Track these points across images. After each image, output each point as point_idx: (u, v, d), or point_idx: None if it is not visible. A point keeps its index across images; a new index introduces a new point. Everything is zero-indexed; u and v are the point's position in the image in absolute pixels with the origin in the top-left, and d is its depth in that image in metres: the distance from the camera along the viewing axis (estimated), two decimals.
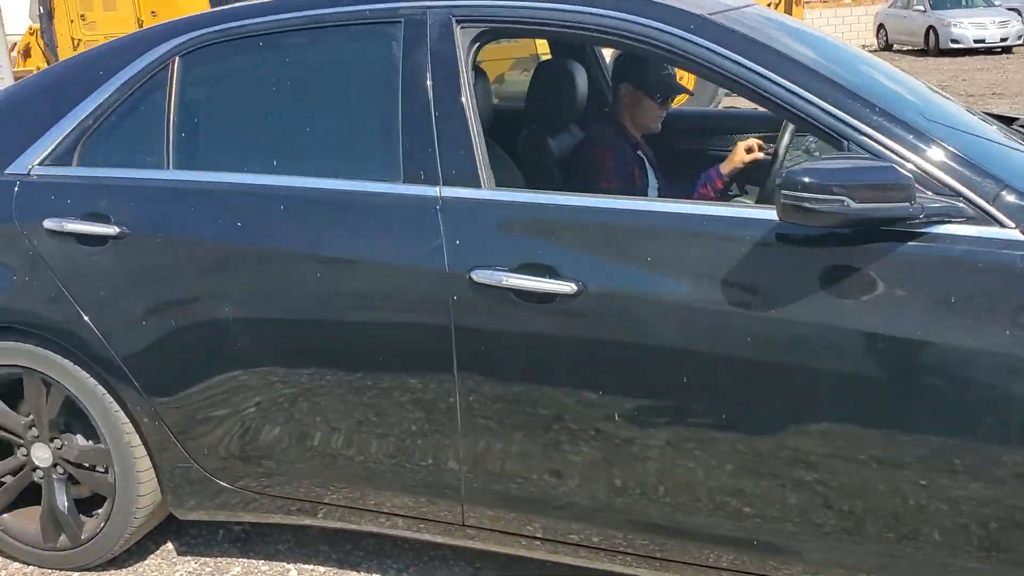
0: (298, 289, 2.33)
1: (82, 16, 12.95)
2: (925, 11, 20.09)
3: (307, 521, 2.58)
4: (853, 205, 1.80)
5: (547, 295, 2.09)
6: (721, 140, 3.65)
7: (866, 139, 1.95)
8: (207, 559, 2.80)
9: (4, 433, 2.72)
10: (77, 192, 2.53)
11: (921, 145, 1.95)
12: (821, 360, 1.93)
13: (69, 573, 2.76)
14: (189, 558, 2.81)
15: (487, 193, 2.21)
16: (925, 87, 2.55)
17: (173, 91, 2.51)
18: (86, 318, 2.49)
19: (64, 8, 12.97)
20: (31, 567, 2.79)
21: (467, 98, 2.25)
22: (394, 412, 2.31)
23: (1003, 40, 18.79)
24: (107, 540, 2.67)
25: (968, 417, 1.87)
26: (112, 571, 2.76)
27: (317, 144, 2.44)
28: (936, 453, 1.90)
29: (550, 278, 2.09)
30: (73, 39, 12.96)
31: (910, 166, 1.92)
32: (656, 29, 2.13)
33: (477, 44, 2.32)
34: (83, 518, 2.73)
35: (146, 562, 2.81)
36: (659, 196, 3.17)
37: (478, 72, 2.55)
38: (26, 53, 13.55)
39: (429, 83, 2.27)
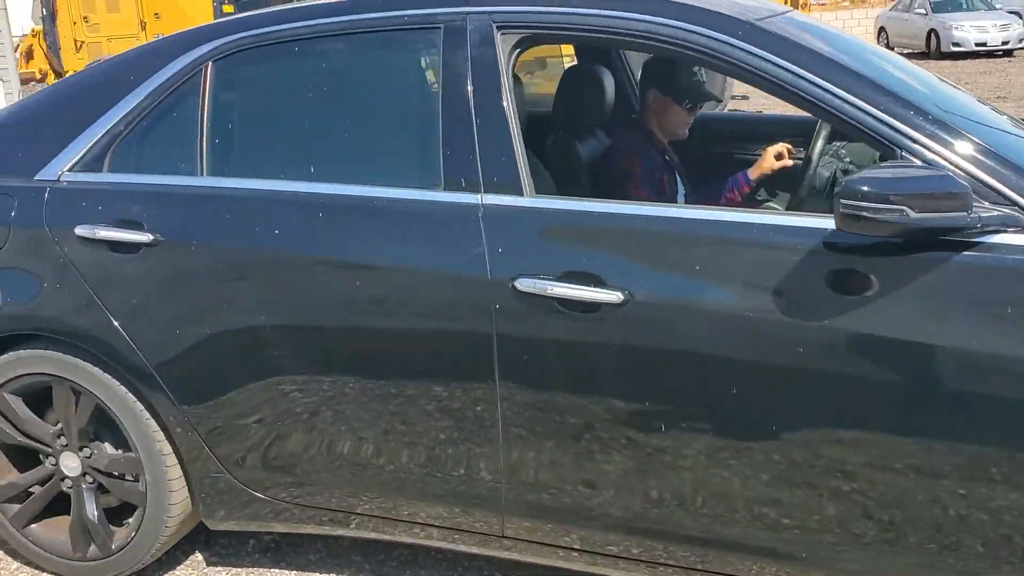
0: (336, 297, 2.30)
1: (85, 18, 12.94)
2: (926, 14, 20.09)
3: (339, 531, 2.55)
4: (912, 215, 1.77)
5: (593, 304, 2.07)
6: (743, 144, 3.63)
7: (920, 148, 1.93)
8: (238, 569, 2.77)
9: (32, 442, 2.69)
10: (109, 199, 2.50)
11: (976, 154, 1.92)
12: (873, 371, 1.91)
13: None
14: (220, 568, 2.78)
15: (530, 201, 2.19)
16: (969, 95, 2.53)
17: (206, 97, 2.48)
18: (118, 326, 2.45)
19: (67, 10, 12.96)
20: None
21: (508, 105, 2.23)
22: (432, 421, 2.28)
23: (1005, 43, 18.79)
24: (138, 550, 2.64)
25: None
26: None
27: (355, 151, 2.42)
28: (986, 464, 1.87)
29: (596, 287, 2.06)
30: (76, 41, 12.95)
31: (965, 175, 1.90)
32: (704, 36, 2.10)
33: (518, 50, 2.30)
34: (112, 528, 2.70)
35: (176, 572, 2.78)
36: (686, 202, 3.15)
37: (515, 79, 2.52)
38: (28, 55, 13.55)
39: (470, 90, 2.24)
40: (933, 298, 1.87)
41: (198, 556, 2.84)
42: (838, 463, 1.98)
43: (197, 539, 2.87)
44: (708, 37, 2.10)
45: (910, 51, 20.40)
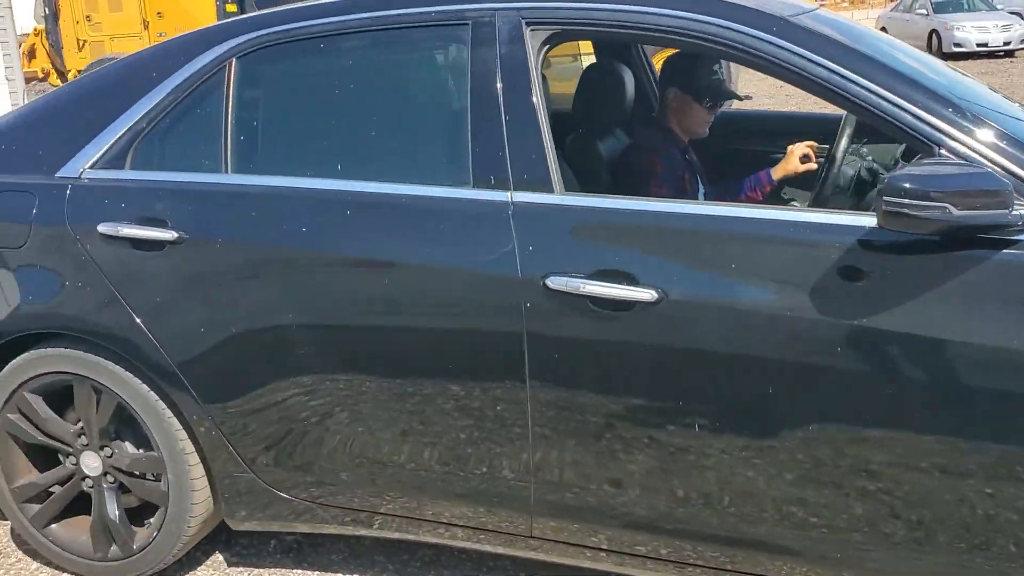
0: (363, 296, 2.28)
1: (87, 17, 12.92)
2: (928, 15, 20.09)
3: (362, 532, 2.53)
4: (954, 212, 1.76)
5: (626, 302, 2.05)
6: (759, 141, 3.62)
7: (959, 145, 1.92)
8: (260, 570, 2.75)
9: (52, 442, 2.66)
10: (132, 196, 2.48)
11: (1016, 151, 1.91)
12: (911, 370, 1.90)
13: None
14: (241, 569, 2.76)
15: (561, 198, 2.17)
16: (998, 92, 2.51)
17: (231, 94, 2.46)
18: (141, 324, 2.43)
19: (69, 9, 12.94)
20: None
21: (538, 102, 2.21)
22: (460, 421, 2.26)
23: (1006, 44, 18.77)
24: (160, 549, 2.62)
25: None
26: None
27: (381, 148, 2.40)
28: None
29: (629, 285, 2.05)
30: (78, 40, 12.93)
31: (1004, 172, 1.88)
32: (738, 32, 2.08)
33: (547, 47, 2.28)
34: (134, 528, 2.67)
35: (197, 572, 2.76)
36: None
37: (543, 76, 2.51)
38: (31, 54, 13.52)
39: (499, 86, 2.22)
40: (971, 297, 1.86)
41: (218, 557, 2.82)
42: (870, 463, 1.97)
43: (217, 539, 2.85)
44: (741, 33, 2.09)
45: None
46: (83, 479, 2.67)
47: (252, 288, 2.35)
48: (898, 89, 1.97)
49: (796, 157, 3.14)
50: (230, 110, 2.46)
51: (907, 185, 1.76)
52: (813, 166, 3.17)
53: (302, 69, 2.47)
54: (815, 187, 3.03)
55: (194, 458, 2.52)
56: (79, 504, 2.72)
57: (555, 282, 2.09)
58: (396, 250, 2.25)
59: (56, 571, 2.78)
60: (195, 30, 2.62)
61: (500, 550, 2.43)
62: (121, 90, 2.59)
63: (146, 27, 12.79)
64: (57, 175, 2.57)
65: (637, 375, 2.09)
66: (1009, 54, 19.16)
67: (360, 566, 2.75)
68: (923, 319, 1.88)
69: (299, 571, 2.75)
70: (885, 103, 1.97)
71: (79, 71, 12.94)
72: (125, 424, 2.61)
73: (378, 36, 2.39)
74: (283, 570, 2.75)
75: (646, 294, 2.03)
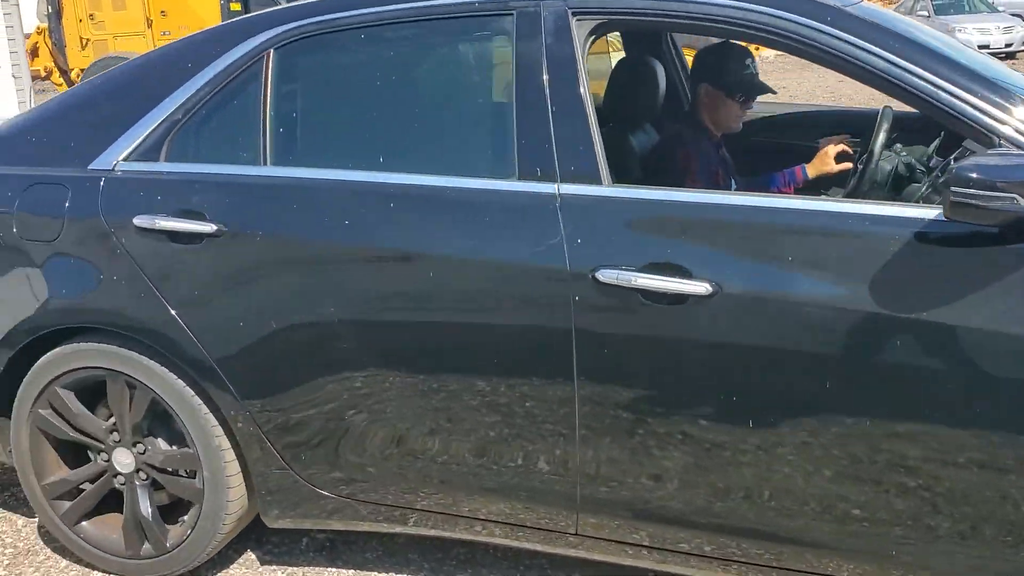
0: (407, 290, 2.25)
1: (91, 15, 12.87)
2: (929, 16, 20.11)
3: (397, 529, 2.50)
4: (1022, 203, 1.73)
5: (679, 296, 2.02)
6: (784, 135, 3.60)
7: (1019, 135, 1.89)
8: (294, 568, 2.72)
9: (84, 438, 2.63)
10: (168, 188, 2.44)
11: None
12: (976, 365, 1.87)
13: None
14: (275, 567, 2.73)
15: (610, 190, 2.14)
16: None
17: (268, 85, 2.43)
18: (178, 318, 2.40)
19: (72, 7, 12.90)
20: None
21: (585, 93, 2.18)
22: (505, 417, 2.23)
23: (1008, 46, 18.80)
24: (194, 547, 2.58)
25: None
26: None
27: (424, 140, 2.37)
28: None
29: (682, 278, 2.02)
30: (82, 38, 12.88)
31: None
32: (790, 21, 2.05)
33: (593, 37, 2.25)
34: (167, 526, 2.64)
35: (229, 571, 2.72)
36: None
37: None
38: (34, 53, 13.45)
39: (545, 78, 2.19)
40: None
41: (251, 555, 2.78)
42: (931, 459, 1.94)
43: (248, 537, 2.81)
44: (794, 23, 2.05)
45: None
46: (115, 476, 2.63)
47: (293, 282, 2.32)
48: (958, 80, 1.94)
49: (831, 157, 3.11)
50: (268, 101, 2.42)
51: (975, 175, 1.74)
52: (849, 165, 3.15)
53: (342, 60, 2.44)
54: (850, 182, 3.00)
55: (230, 454, 2.49)
56: (109, 501, 2.68)
57: (606, 275, 2.06)
58: (440, 243, 2.22)
59: (86, 569, 2.74)
60: (231, 20, 2.58)
61: (539, 547, 2.39)
62: (155, 81, 2.55)
63: (149, 26, 12.75)
64: (90, 167, 2.53)
65: (690, 369, 2.06)
66: (1010, 55, 19.17)
67: (395, 564, 2.72)
68: (985, 313, 1.85)
69: (333, 569, 2.71)
70: (942, 93, 1.95)
71: (82, 70, 12.92)
72: (158, 420, 2.57)
73: (420, 26, 2.36)
74: (317, 568, 2.72)
75: (700, 287, 2.00)
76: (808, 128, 3.54)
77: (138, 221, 2.42)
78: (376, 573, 2.68)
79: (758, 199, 2.10)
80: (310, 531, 2.83)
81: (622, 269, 2.05)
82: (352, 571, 2.69)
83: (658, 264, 2.04)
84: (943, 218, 1.85)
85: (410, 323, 2.27)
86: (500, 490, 2.32)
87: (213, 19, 12.17)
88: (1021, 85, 2.21)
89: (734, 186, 3.19)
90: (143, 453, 2.58)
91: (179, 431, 2.53)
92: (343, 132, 2.44)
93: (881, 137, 2.86)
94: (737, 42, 3.31)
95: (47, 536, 2.91)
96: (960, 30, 19.09)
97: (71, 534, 2.69)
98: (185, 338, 2.40)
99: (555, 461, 2.23)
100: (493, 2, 2.27)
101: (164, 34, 12.59)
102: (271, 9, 2.53)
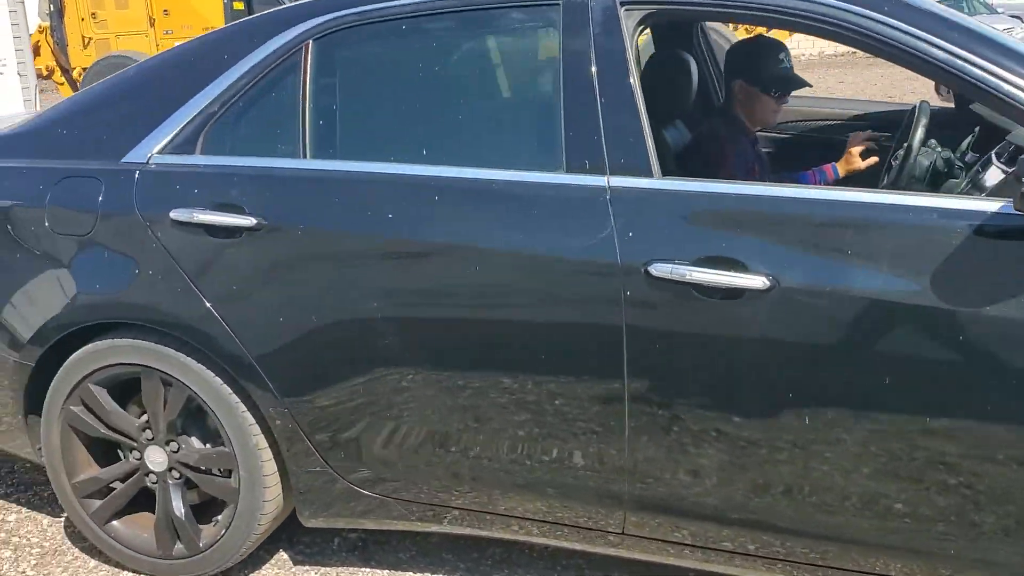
0: (452, 284, 2.21)
1: (93, 14, 12.82)
2: None
3: (432, 528, 2.46)
4: None
5: (735, 290, 1.98)
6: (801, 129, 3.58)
7: None
8: (327, 568, 2.67)
9: (116, 435, 2.58)
10: (205, 181, 2.40)
11: None
12: None
13: None
14: (308, 567, 2.68)
15: (661, 183, 2.10)
16: None
17: (307, 77, 2.38)
18: (215, 313, 2.35)
19: (74, 6, 12.84)
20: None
21: (635, 84, 2.15)
22: (551, 415, 2.19)
23: None
24: (227, 548, 2.54)
25: None
26: None
27: (468, 133, 2.33)
28: None
29: (739, 272, 1.98)
30: (83, 37, 12.82)
31: None
32: (845, 11, 2.02)
33: (641, 27, 2.22)
34: (199, 525, 2.59)
35: (261, 571, 2.68)
36: None
37: None
38: (35, 51, 13.36)
39: (593, 69, 2.15)
40: None
41: (283, 555, 2.74)
42: (986, 457, 1.91)
43: (280, 537, 2.77)
44: (851, 12, 2.02)
45: None
46: (147, 474, 2.58)
47: (335, 276, 2.28)
48: (1016, 69, 1.91)
49: (858, 155, 3.09)
50: (307, 93, 2.38)
51: None
52: (874, 160, 3.13)
53: (384, 51, 2.40)
54: (885, 176, 2.98)
55: (267, 453, 2.45)
56: (139, 500, 2.63)
57: (659, 269, 2.02)
58: (486, 237, 2.18)
59: (114, 569, 2.70)
60: (271, 10, 2.53)
61: (577, 546, 2.36)
62: (190, 73, 2.51)
63: (152, 24, 12.69)
64: (123, 160, 2.48)
65: (744, 365, 2.03)
66: None
67: (430, 564, 2.68)
68: None
69: (367, 569, 2.67)
70: (1004, 84, 1.91)
71: (84, 69, 12.86)
72: (193, 418, 2.53)
73: (464, 17, 2.32)
74: (351, 568, 2.68)
75: (757, 281, 1.96)
76: (829, 125, 3.53)
77: (175, 215, 2.38)
78: (411, 573, 2.64)
79: (816, 192, 2.06)
80: (342, 531, 2.79)
81: (676, 263, 2.02)
82: (386, 571, 2.65)
83: (713, 258, 2.00)
84: (1010, 211, 1.81)
85: (454, 319, 2.23)
86: (539, 488, 2.28)
87: (216, 18, 12.12)
88: None
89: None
90: (177, 451, 2.53)
91: (214, 429, 2.49)
92: (385, 124, 2.40)
93: (920, 132, 2.83)
94: (770, 36, 3.29)
95: (73, 535, 2.87)
96: None
97: (101, 533, 2.65)
98: (223, 334, 2.36)
99: (602, 459, 2.19)
100: None
101: (167, 33, 12.54)
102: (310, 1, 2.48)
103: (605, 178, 2.11)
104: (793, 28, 2.18)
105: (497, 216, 2.19)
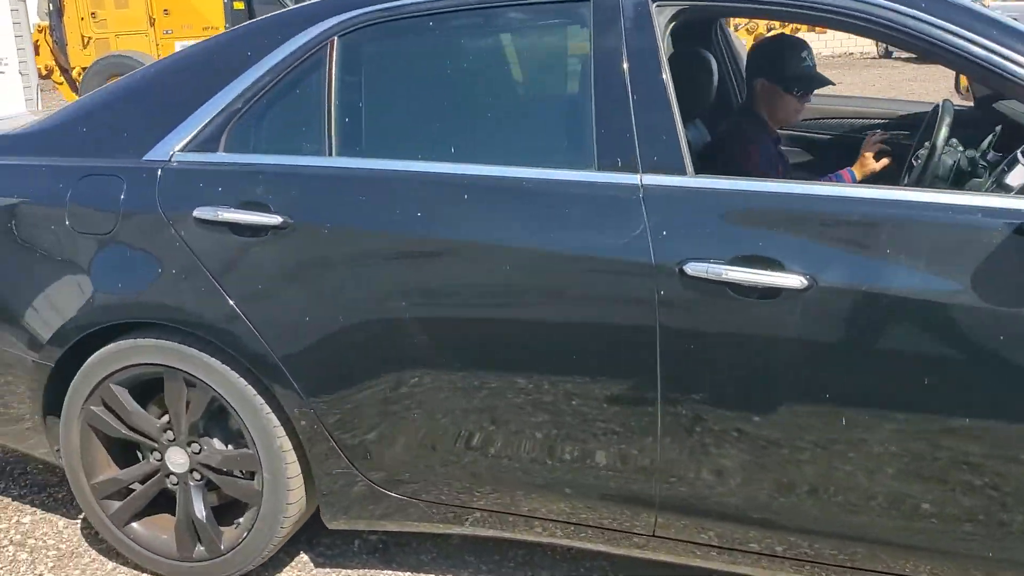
0: (481, 284, 2.19)
1: (92, 14, 12.76)
2: None
3: (455, 529, 2.44)
4: None
5: (771, 290, 1.96)
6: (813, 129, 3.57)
7: None
8: (348, 571, 2.65)
9: (137, 436, 2.55)
10: (229, 179, 2.37)
11: None
12: None
13: None
14: (328, 570, 2.66)
15: (695, 181, 2.08)
16: None
17: (332, 74, 2.36)
18: (240, 313, 2.32)
19: (74, 6, 12.77)
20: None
21: (667, 80, 2.13)
22: (581, 416, 2.16)
23: None
24: (249, 551, 2.51)
25: None
26: None
27: (497, 130, 2.31)
28: None
29: (775, 271, 1.96)
30: (83, 37, 12.76)
31: None
32: (883, 7, 2.00)
33: (673, 24, 2.20)
34: (220, 527, 2.56)
35: (282, 574, 2.65)
36: None
37: None
38: (34, 50, 13.32)
39: (625, 66, 2.13)
40: None
41: (303, 557, 2.71)
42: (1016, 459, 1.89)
43: (300, 539, 2.74)
44: (887, 8, 2.00)
45: (908, 56, 20.45)
46: (167, 476, 2.56)
47: (363, 275, 2.25)
48: None
49: (871, 157, 3.07)
50: (332, 91, 2.35)
51: None
52: (887, 161, 3.12)
53: (410, 48, 2.37)
54: (906, 176, 2.96)
55: (291, 455, 2.42)
56: (158, 501, 2.61)
57: (694, 268, 2.00)
58: (516, 236, 2.15)
59: (132, 571, 2.67)
60: (295, 7, 2.51)
61: (601, 548, 2.33)
62: (213, 70, 2.48)
63: (152, 24, 12.63)
64: (145, 158, 2.45)
65: (781, 365, 2.00)
66: None
67: (451, 566, 2.65)
68: None
69: (388, 572, 2.65)
70: None
71: (83, 68, 12.80)
72: (215, 419, 2.50)
73: (493, 14, 2.30)
74: (372, 571, 2.65)
75: (794, 280, 1.94)
76: (839, 124, 3.52)
77: (199, 213, 2.35)
78: (434, 575, 2.61)
79: (854, 190, 2.04)
80: (362, 533, 2.77)
81: (712, 262, 2.00)
82: (408, 573, 2.63)
83: (749, 257, 1.98)
84: None
85: (484, 318, 2.21)
86: (566, 489, 2.25)
87: (216, 18, 12.08)
88: None
89: None
90: (198, 453, 2.51)
91: (236, 430, 2.47)
92: (412, 122, 2.37)
93: (943, 131, 2.82)
94: (793, 35, 3.27)
95: (90, 537, 2.84)
96: None
97: (120, 535, 2.62)
98: (247, 333, 2.33)
99: (632, 460, 2.16)
100: None
101: (167, 33, 12.49)
102: None
103: (638, 176, 2.09)
104: (826, 25, 2.16)
105: (527, 215, 2.16)
